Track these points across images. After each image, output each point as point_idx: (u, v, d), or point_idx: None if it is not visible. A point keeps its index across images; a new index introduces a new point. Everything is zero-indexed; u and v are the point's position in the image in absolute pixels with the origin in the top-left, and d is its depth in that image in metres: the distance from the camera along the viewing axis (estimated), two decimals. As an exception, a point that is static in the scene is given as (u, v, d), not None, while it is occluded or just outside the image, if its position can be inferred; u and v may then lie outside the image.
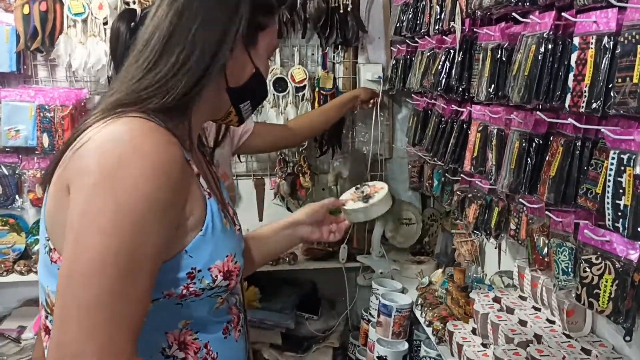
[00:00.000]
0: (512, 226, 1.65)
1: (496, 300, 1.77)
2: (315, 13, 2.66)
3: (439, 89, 1.95)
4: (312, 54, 2.83)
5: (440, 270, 2.31)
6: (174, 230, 0.89)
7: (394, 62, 2.71)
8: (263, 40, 1.03)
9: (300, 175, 2.84)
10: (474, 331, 1.76)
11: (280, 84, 2.72)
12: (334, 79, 2.75)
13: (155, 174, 0.82)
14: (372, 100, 2.65)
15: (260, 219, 2.91)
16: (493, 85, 1.59)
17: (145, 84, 0.92)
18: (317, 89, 2.74)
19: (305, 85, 2.73)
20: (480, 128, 1.75)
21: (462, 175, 1.90)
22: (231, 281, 0.99)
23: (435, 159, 2.08)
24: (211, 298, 0.98)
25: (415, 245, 2.77)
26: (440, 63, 1.96)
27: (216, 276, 0.95)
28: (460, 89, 1.88)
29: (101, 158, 0.82)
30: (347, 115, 2.86)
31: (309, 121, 2.31)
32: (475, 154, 1.76)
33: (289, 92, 2.72)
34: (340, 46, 2.81)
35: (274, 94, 2.72)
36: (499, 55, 1.59)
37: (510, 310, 1.69)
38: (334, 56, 2.85)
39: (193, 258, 0.92)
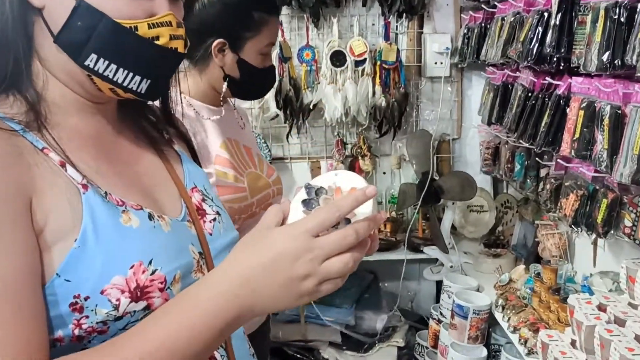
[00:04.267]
0: (627, 223, 1.38)
1: (601, 308, 1.50)
2: (377, -23, 2.39)
3: (529, 58, 1.67)
4: (373, 24, 2.57)
5: (521, 267, 2.04)
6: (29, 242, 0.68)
7: (465, 31, 2.43)
8: None
9: (360, 157, 2.61)
10: (573, 343, 1.51)
11: (338, 58, 2.47)
12: (398, 51, 2.48)
13: None
14: None
15: (316, 205, 2.69)
16: (608, 53, 1.31)
17: None
18: (378, 63, 2.48)
19: (365, 59, 2.47)
20: (584, 104, 1.47)
21: (558, 160, 1.62)
22: (151, 301, 0.73)
23: (522, 140, 1.81)
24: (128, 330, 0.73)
25: (489, 236, 2.50)
26: (531, 28, 1.68)
27: (118, 299, 0.70)
28: (555, 58, 1.60)
29: None
30: (411, 91, 2.60)
31: None
32: (576, 136, 1.48)
33: (347, 67, 2.46)
34: (404, 15, 2.53)
35: (331, 69, 2.47)
36: (616, 16, 1.30)
37: (620, 322, 1.42)
38: (397, 26, 2.58)
39: (72, 282, 0.69)
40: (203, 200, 0.92)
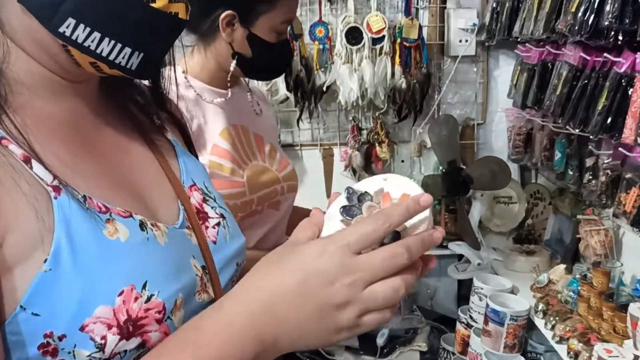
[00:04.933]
0: None
1: (670, 319, 1.31)
2: (398, -55, 2.17)
3: (582, 32, 1.45)
4: (392, -2, 2.34)
5: (562, 266, 1.85)
6: None
7: (494, 5, 2.21)
8: None
9: (377, 144, 2.40)
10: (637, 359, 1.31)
11: (354, 35, 2.24)
12: (420, 27, 2.26)
13: None
14: None
15: (328, 196, 2.49)
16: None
17: None
18: (398, 41, 2.26)
19: (384, 36, 2.25)
20: (654, 84, 1.26)
21: (620, 148, 1.42)
22: (146, 336, 0.58)
23: (569, 126, 1.60)
24: None
25: (518, 230, 2.30)
26: (586, -3, 1.46)
27: (104, 337, 0.55)
28: (613, 32, 1.39)
29: None
30: (434, 72, 2.38)
31: None
32: (644, 121, 1.28)
33: (364, 45, 2.24)
34: (426, -13, 2.31)
35: (346, 47, 2.25)
36: None
37: (697, 338, 1.23)
38: (417, 0, 2.35)
39: (41, 317, 0.53)
40: (204, 200, 0.76)
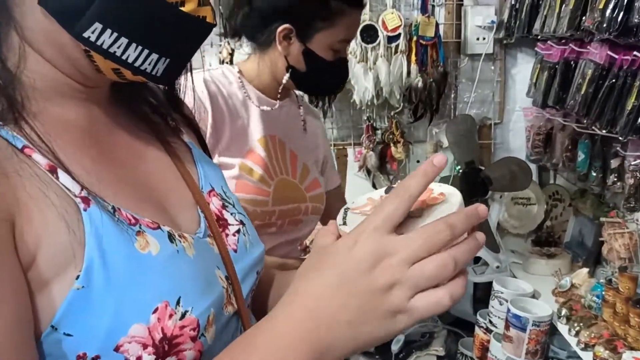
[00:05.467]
0: None
1: None
2: (415, -59, 2.12)
3: (610, 30, 1.41)
4: (408, -5, 2.30)
5: (584, 270, 1.80)
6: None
7: (513, 1, 2.16)
8: None
9: (392, 144, 2.35)
10: (668, 370, 1.27)
11: (369, 33, 2.20)
12: (436, 25, 2.21)
13: None
14: None
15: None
16: None
17: None
18: (414, 38, 2.21)
19: (399, 34, 2.20)
20: (688, 84, 1.21)
21: (650, 150, 1.37)
22: (181, 355, 0.56)
23: (595, 127, 1.55)
24: None
25: (539, 233, 2.25)
26: (614, -7, 1.41)
27: (139, 357, 0.53)
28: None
29: None
30: (450, 70, 2.33)
31: None
32: (677, 122, 1.23)
33: (379, 43, 2.20)
34: (442, -16, 2.26)
35: (361, 46, 2.21)
36: None
37: None
38: (435, -4, 2.31)
39: (74, 337, 0.51)
40: (223, 206, 0.73)
